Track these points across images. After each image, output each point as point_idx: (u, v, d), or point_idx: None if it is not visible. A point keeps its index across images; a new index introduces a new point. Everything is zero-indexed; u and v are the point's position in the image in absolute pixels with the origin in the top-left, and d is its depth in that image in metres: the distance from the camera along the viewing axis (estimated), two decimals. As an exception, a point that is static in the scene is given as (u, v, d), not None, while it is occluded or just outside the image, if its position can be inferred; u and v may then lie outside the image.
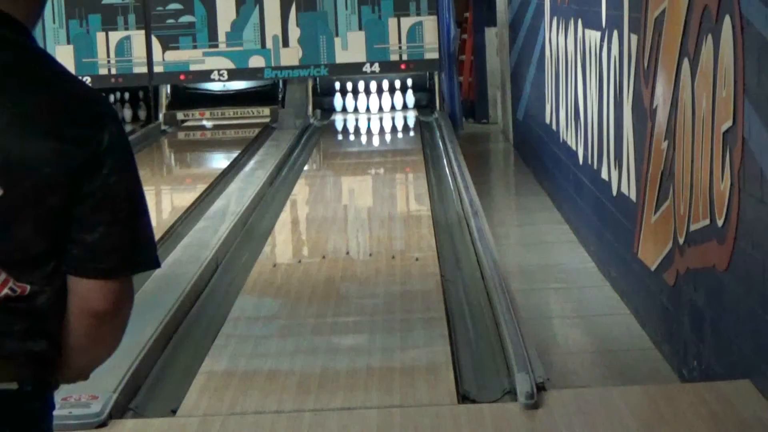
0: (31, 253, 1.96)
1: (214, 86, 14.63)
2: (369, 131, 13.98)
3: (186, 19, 13.74)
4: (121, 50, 13.74)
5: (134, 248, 2.03)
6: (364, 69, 14.00)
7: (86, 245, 1.98)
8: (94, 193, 1.97)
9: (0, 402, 1.95)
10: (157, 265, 2.08)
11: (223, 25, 13.80)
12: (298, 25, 13.86)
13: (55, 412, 2.14)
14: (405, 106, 14.76)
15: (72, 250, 1.99)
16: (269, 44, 13.84)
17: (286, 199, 9.63)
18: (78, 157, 1.95)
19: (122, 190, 2.00)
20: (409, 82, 14.73)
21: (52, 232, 1.97)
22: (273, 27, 13.84)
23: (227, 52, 13.81)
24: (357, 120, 14.46)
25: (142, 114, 14.66)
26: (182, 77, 13.90)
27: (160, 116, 14.24)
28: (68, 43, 13.56)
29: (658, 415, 4.30)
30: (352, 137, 13.91)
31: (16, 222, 1.94)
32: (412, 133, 13.53)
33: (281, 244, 8.12)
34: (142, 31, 13.69)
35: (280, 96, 14.50)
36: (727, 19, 4.51)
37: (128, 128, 13.59)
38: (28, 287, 1.96)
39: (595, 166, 7.47)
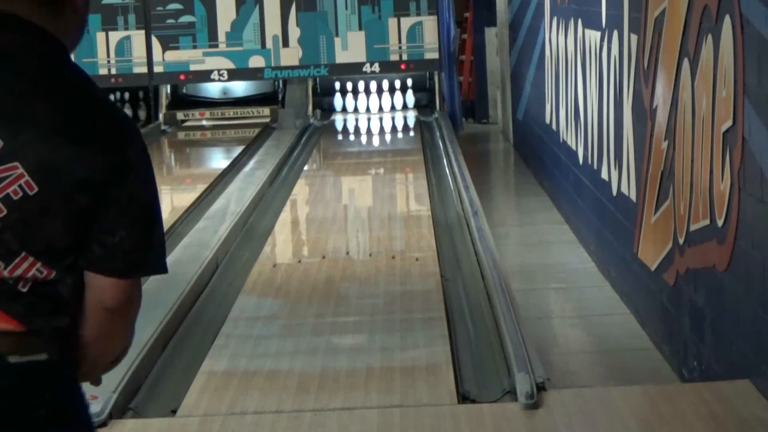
0: (57, 246, 2.17)
1: (214, 92, 14.64)
2: (369, 131, 13.98)
3: (186, 19, 13.74)
4: (121, 50, 13.74)
5: (149, 252, 2.25)
6: (364, 69, 13.99)
7: (106, 246, 2.20)
8: (119, 199, 2.19)
9: (35, 372, 2.18)
10: (165, 270, 2.29)
11: (223, 25, 13.80)
12: (298, 25, 13.86)
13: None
14: (405, 106, 14.76)
15: (94, 249, 2.20)
16: (269, 44, 13.83)
17: (286, 199, 9.63)
18: (106, 166, 2.17)
19: (143, 199, 2.22)
20: (409, 82, 14.73)
21: (78, 230, 2.18)
22: (273, 27, 13.84)
23: (227, 52, 13.81)
24: (357, 120, 14.46)
25: (142, 114, 14.65)
26: (182, 77, 13.90)
27: (160, 116, 14.24)
28: (68, 43, 13.53)
29: (658, 415, 4.30)
30: (352, 137, 13.91)
31: (47, 217, 2.15)
32: (412, 133, 13.53)
33: (281, 244, 8.12)
34: (142, 31, 13.69)
35: (280, 96, 14.50)
36: (727, 19, 4.51)
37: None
38: (54, 272, 2.17)
39: (595, 166, 7.47)
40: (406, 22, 13.94)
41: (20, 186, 2.13)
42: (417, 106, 14.72)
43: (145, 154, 2.23)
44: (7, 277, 2.15)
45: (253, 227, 8.46)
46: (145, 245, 2.23)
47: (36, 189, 2.13)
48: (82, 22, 2.29)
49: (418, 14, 13.94)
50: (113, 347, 2.31)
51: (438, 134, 12.67)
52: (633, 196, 6.28)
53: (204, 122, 14.55)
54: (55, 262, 2.17)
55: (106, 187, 2.16)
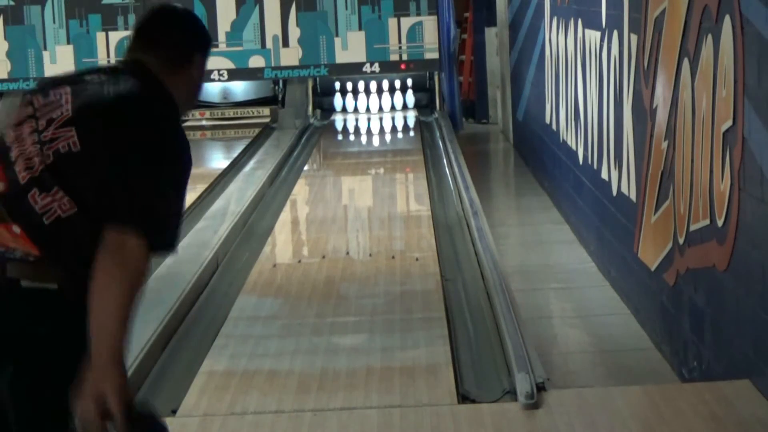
0: (82, 196, 2.69)
1: (214, 96, 14.64)
2: (369, 131, 13.99)
3: (186, 19, 13.72)
4: (121, 50, 13.71)
5: (148, 218, 2.67)
6: (364, 69, 14.00)
7: (115, 197, 2.66)
8: (132, 165, 2.70)
9: (43, 298, 2.62)
10: (172, 247, 2.80)
11: (223, 25, 13.80)
12: (298, 25, 13.86)
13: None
14: (405, 106, 14.76)
15: (109, 198, 2.67)
16: (269, 44, 13.83)
17: (286, 199, 9.64)
18: (126, 139, 2.73)
19: (150, 171, 2.70)
20: (409, 82, 14.74)
21: (100, 191, 2.68)
22: (273, 27, 13.84)
23: (227, 52, 13.81)
24: (357, 120, 14.46)
25: (142, 114, 14.63)
26: (182, 77, 13.89)
27: (160, 116, 14.23)
28: (68, 43, 13.56)
29: (658, 415, 4.30)
30: (352, 137, 13.91)
31: (79, 173, 2.70)
32: (412, 133, 13.53)
33: (281, 244, 8.12)
34: (142, 31, 13.67)
35: (280, 96, 14.51)
36: (727, 19, 4.51)
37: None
38: (76, 208, 2.67)
39: (595, 166, 7.47)
40: (406, 22, 13.95)
41: (69, 143, 2.72)
42: (417, 106, 14.72)
43: (172, 142, 2.77)
44: (38, 205, 2.65)
45: (253, 227, 8.46)
46: (145, 209, 2.67)
47: (78, 148, 2.71)
48: (195, 88, 3.03)
49: (418, 14, 13.95)
50: (108, 300, 2.58)
51: (438, 134, 12.67)
52: (633, 196, 6.28)
53: (204, 122, 14.56)
54: (78, 200, 2.65)
55: (125, 157, 2.69)
